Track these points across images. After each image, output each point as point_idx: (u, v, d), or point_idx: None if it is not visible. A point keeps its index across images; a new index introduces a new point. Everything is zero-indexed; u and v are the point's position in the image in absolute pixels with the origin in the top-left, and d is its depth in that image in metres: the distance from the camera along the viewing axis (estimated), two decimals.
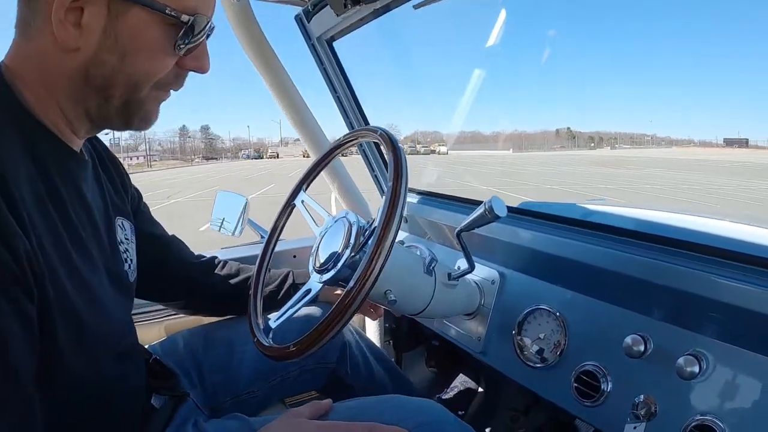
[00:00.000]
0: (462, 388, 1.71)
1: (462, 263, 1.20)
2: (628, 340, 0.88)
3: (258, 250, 1.37)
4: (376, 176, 1.75)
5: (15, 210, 0.57)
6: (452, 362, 1.76)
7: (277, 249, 1.53)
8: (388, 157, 0.85)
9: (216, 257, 1.23)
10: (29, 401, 0.58)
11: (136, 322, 1.37)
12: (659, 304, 0.92)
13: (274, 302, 1.16)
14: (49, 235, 0.63)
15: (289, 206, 1.12)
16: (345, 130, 1.48)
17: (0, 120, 0.62)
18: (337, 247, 0.91)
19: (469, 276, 1.13)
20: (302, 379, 1.24)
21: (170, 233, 1.14)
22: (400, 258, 1.00)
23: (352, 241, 0.90)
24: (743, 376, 0.77)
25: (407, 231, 1.65)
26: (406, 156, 0.85)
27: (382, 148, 0.91)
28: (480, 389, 1.68)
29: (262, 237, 1.66)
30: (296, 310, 0.92)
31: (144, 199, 1.07)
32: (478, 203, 1.03)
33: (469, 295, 1.20)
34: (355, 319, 1.71)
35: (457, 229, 1.02)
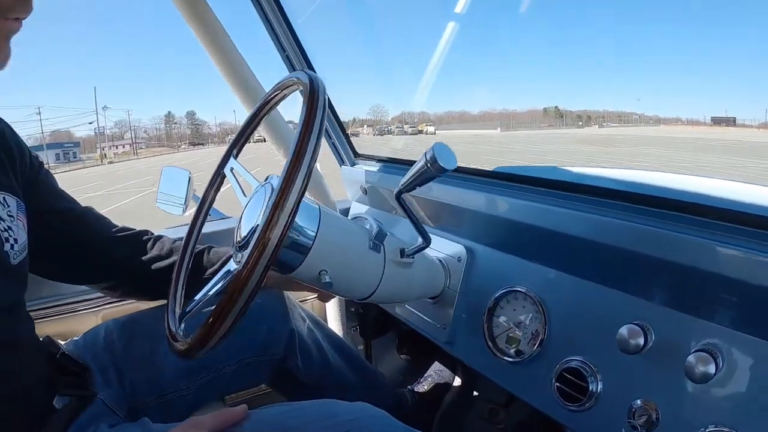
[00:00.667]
0: (437, 378, 1.58)
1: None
2: (624, 331, 0.73)
3: (207, 228, 1.24)
4: (333, 144, 1.59)
5: None
6: (426, 349, 1.64)
7: (225, 227, 1.35)
8: (304, 96, 0.70)
9: (146, 232, 1.11)
10: None
11: (71, 311, 1.29)
12: (663, 285, 0.75)
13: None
14: None
15: (218, 176, 0.99)
16: None
17: None
18: (256, 218, 0.76)
19: (431, 253, 1.01)
20: (242, 374, 1.14)
21: (84, 205, 1.04)
22: (337, 231, 0.86)
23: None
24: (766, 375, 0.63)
25: (367, 204, 1.48)
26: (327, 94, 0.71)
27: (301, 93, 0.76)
28: (457, 379, 1.56)
29: (211, 214, 1.53)
30: (212, 295, 0.81)
31: (47, 169, 0.98)
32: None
33: (430, 275, 1.06)
34: (315, 303, 1.62)
35: (396, 190, 0.86)
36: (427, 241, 0.90)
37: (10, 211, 0.82)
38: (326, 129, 1.53)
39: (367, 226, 0.91)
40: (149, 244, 1.07)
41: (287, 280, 1.11)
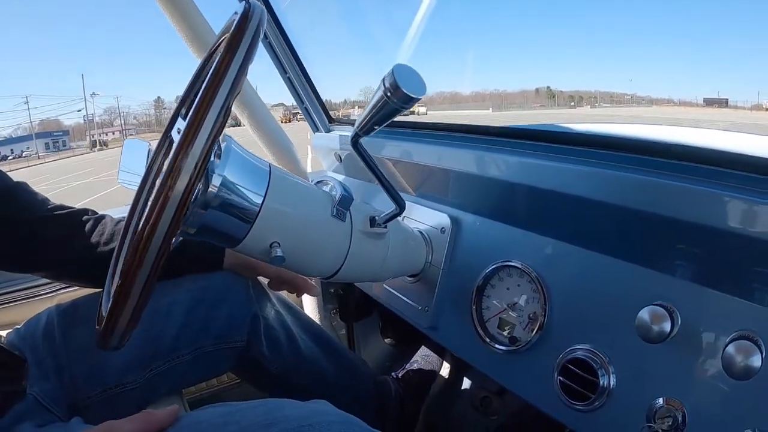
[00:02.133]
0: (424, 364, 1.47)
1: (415, 213, 0.98)
2: (645, 314, 0.59)
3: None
4: (306, 109, 1.45)
5: None
6: (411, 333, 1.45)
7: None
8: (236, 20, 0.57)
9: (86, 211, 1.01)
10: None
11: (23, 299, 1.22)
12: (692, 257, 0.61)
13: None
14: None
15: (166, 139, 0.84)
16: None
17: None
18: None
19: (411, 224, 0.87)
20: (200, 363, 1.04)
21: (16, 180, 0.94)
22: (291, 196, 0.72)
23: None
24: None
25: (343, 173, 1.35)
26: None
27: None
28: (445, 364, 1.45)
29: None
30: None
31: None
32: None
33: (409, 249, 0.93)
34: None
35: (351, 135, 0.72)
36: (400, 206, 0.77)
37: None
38: (299, 93, 1.41)
39: (330, 190, 0.77)
40: (89, 225, 0.97)
41: (249, 265, 1.05)
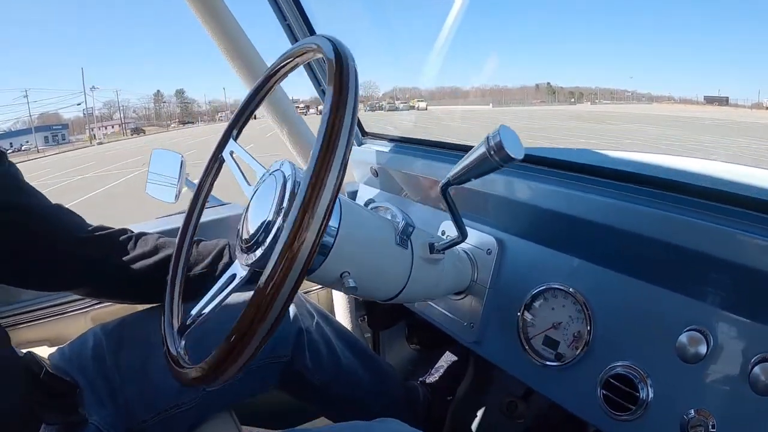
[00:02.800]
0: (449, 369, 1.55)
1: (448, 228, 1.03)
2: (684, 338, 0.68)
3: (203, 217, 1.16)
4: None
5: None
6: (437, 339, 1.59)
7: (213, 217, 1.30)
8: (330, 67, 0.60)
9: (125, 231, 1.03)
10: None
11: (58, 314, 1.19)
12: (723, 287, 0.69)
13: (203, 286, 0.92)
14: None
15: (216, 160, 0.90)
16: None
17: None
18: (268, 213, 0.67)
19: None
20: (249, 380, 1.07)
21: (55, 202, 0.95)
22: (362, 226, 0.77)
23: (285, 204, 0.65)
24: None
25: (378, 187, 1.40)
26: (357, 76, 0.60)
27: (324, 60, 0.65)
28: (470, 369, 1.49)
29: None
30: (216, 306, 0.69)
31: (11, 161, 0.89)
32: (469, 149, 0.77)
33: (457, 269, 0.98)
34: (320, 293, 1.57)
35: (443, 182, 0.77)
36: (463, 236, 0.82)
37: None
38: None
39: (390, 217, 0.84)
40: (130, 244, 0.99)
41: None
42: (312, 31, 1.35)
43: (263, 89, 0.85)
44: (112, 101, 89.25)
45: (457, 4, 1.50)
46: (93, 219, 0.98)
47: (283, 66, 0.80)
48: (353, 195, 1.48)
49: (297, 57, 0.77)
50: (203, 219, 1.28)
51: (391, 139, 1.39)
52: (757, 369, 0.60)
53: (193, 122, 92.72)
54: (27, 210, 0.89)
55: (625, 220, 0.76)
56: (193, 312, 0.72)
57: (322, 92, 1.44)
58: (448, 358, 1.57)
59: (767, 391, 0.60)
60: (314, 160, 0.54)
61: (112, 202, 11.50)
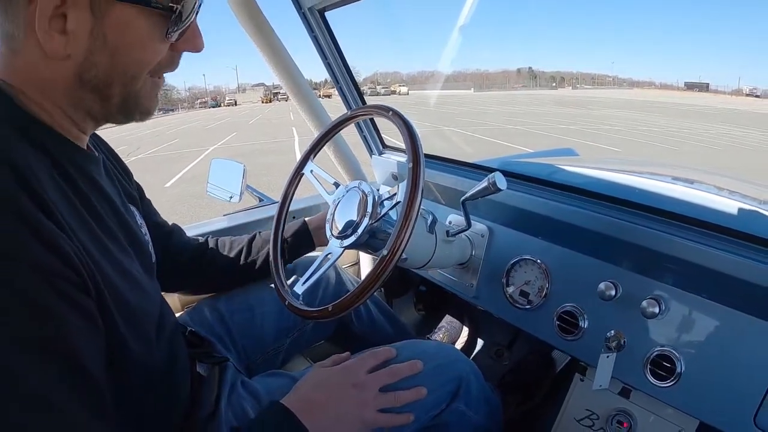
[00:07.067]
0: (449, 328, 1.84)
1: (454, 219, 1.35)
2: (602, 285, 1.01)
3: (258, 215, 1.51)
4: (365, 137, 1.83)
5: (51, 216, 0.56)
6: (438, 305, 1.90)
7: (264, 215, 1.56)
8: (405, 140, 0.93)
9: (207, 237, 1.27)
10: (102, 392, 0.58)
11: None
12: (627, 257, 1.04)
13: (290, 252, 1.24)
14: (84, 230, 0.63)
15: (298, 175, 1.18)
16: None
17: (13, 134, 0.60)
18: (354, 215, 0.99)
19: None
20: (316, 329, 1.33)
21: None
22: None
23: (369, 210, 0.99)
24: (693, 316, 0.93)
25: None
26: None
27: (396, 126, 0.98)
28: (465, 328, 1.83)
29: (261, 201, 1.78)
30: (322, 273, 1.02)
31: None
32: (465, 165, 1.15)
33: (462, 248, 1.30)
34: (352, 269, 1.86)
35: (463, 198, 1.12)
36: (469, 225, 1.16)
37: (141, 220, 0.91)
38: (359, 123, 1.76)
39: (421, 213, 1.11)
40: (213, 246, 1.22)
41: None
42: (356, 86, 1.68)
43: (337, 128, 1.16)
44: None
45: None
46: None
47: (360, 114, 1.11)
48: None
49: (373, 111, 1.06)
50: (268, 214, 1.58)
51: (404, 151, 1.72)
52: (644, 303, 0.94)
53: (172, 109, 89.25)
54: (164, 229, 1.12)
55: (573, 218, 1.13)
56: (307, 275, 1.01)
57: (359, 127, 1.78)
58: (447, 320, 1.87)
59: (652, 316, 0.93)
60: (408, 191, 0.85)
61: None
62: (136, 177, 1.02)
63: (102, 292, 0.61)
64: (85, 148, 0.74)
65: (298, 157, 1.15)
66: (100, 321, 0.60)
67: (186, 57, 0.74)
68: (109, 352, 0.62)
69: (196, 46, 0.72)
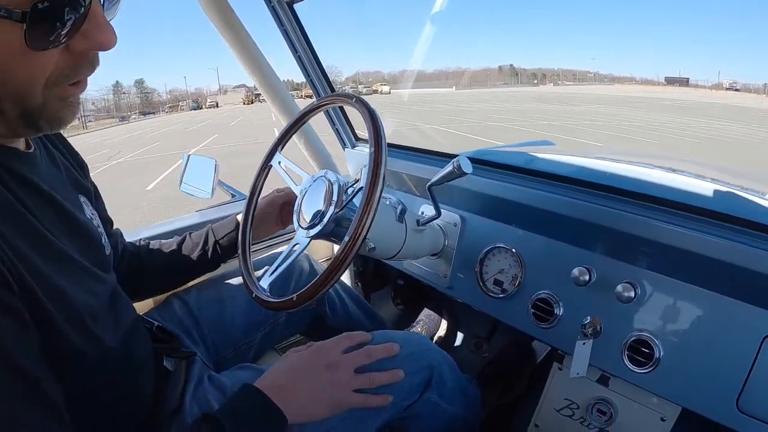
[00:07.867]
0: (427, 321, 1.82)
1: (426, 209, 1.31)
2: (575, 271, 1.00)
3: (230, 210, 1.48)
4: (337, 130, 1.80)
5: None
6: (417, 298, 1.89)
7: (236, 210, 1.51)
8: (368, 125, 0.91)
9: (140, 241, 1.23)
10: (44, 388, 0.57)
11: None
12: (600, 241, 1.03)
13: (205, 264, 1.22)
14: (7, 225, 0.60)
15: (266, 167, 1.17)
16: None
17: None
18: (320, 204, 0.98)
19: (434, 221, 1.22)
20: (289, 323, 1.33)
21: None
22: (379, 209, 1.03)
23: (335, 198, 0.97)
24: (669, 299, 0.92)
25: None
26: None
27: (359, 113, 0.96)
28: (444, 321, 1.81)
29: (233, 196, 1.75)
30: (289, 264, 1.00)
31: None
32: (436, 154, 1.11)
33: (434, 237, 1.29)
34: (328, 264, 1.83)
35: (428, 183, 1.10)
36: (438, 213, 1.14)
37: (92, 211, 0.88)
38: (331, 116, 1.75)
39: (388, 202, 1.12)
40: (155, 246, 1.19)
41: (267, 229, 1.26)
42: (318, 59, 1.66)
43: (304, 119, 1.14)
44: None
45: None
46: None
47: (326, 103, 1.09)
48: None
49: (339, 99, 1.05)
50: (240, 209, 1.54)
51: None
52: (619, 287, 0.92)
53: (153, 112, 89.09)
54: (110, 222, 1.07)
55: (545, 204, 1.10)
56: (275, 266, 0.99)
57: (331, 120, 1.77)
58: (426, 313, 1.84)
59: (628, 300, 0.91)
60: (369, 176, 0.83)
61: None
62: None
63: (30, 287, 0.60)
64: (22, 148, 0.71)
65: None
66: (27, 315, 0.58)
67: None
68: (48, 348, 0.61)
69: (100, 43, 0.59)
